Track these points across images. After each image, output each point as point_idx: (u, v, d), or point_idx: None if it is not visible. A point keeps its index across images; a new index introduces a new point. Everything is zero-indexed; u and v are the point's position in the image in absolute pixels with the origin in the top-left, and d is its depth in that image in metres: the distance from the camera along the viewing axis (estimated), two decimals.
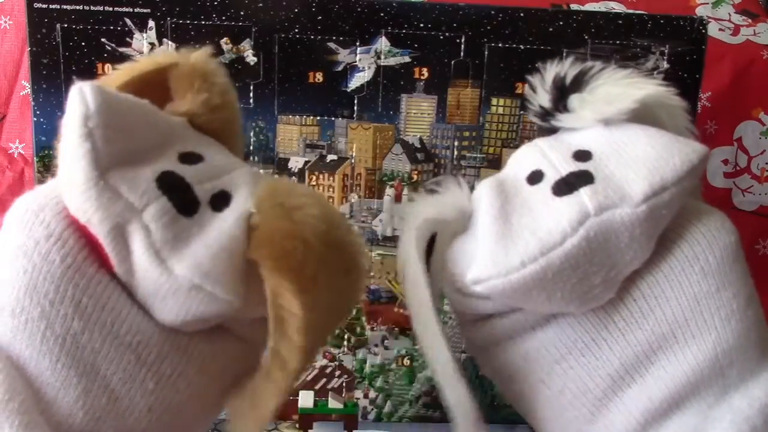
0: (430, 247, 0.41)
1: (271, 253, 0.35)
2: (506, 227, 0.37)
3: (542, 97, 0.43)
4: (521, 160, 0.42)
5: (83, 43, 0.67)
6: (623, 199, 0.37)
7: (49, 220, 0.35)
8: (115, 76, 0.41)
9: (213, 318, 0.36)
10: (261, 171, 0.68)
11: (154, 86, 0.41)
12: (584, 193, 0.37)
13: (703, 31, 0.68)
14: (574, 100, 0.42)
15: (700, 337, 0.38)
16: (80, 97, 0.34)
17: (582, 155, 0.40)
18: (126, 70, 0.41)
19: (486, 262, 0.37)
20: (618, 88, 0.41)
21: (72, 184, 0.35)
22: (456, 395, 0.39)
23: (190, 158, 0.38)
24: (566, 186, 0.38)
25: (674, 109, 0.43)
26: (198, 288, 0.34)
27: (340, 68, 0.69)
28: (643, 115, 0.41)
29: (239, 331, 0.39)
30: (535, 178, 0.40)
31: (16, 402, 0.34)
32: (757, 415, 0.37)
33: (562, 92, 0.42)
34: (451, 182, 0.42)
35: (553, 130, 0.43)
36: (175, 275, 0.34)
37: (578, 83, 0.42)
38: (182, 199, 0.36)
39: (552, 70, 0.43)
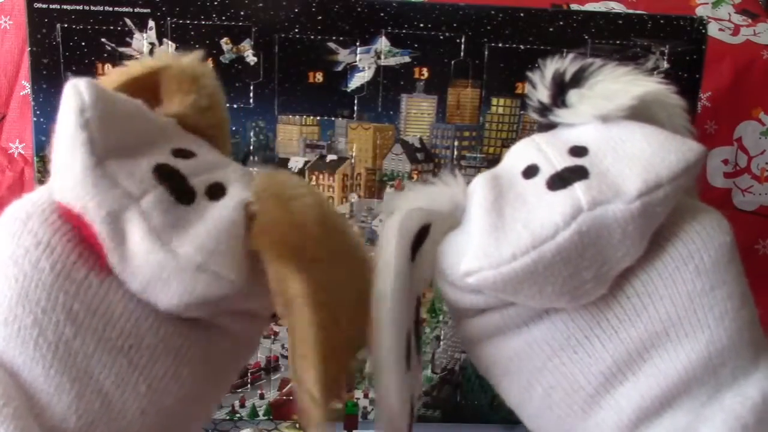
0: (421, 239, 0.41)
1: (271, 240, 0.36)
2: (499, 220, 0.37)
3: (541, 93, 0.43)
4: (517, 154, 0.42)
5: (83, 43, 0.67)
6: (617, 195, 0.37)
7: (36, 228, 0.35)
8: (106, 79, 0.41)
9: (215, 300, 0.36)
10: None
11: (146, 90, 0.41)
12: (578, 188, 0.37)
13: (703, 31, 0.68)
14: (572, 95, 0.42)
15: (693, 335, 0.38)
16: (75, 90, 0.35)
17: (578, 151, 0.39)
18: (117, 73, 0.42)
19: (477, 254, 0.37)
20: (617, 84, 0.41)
21: (68, 173, 0.35)
22: (386, 387, 0.39)
23: (183, 153, 0.39)
24: (560, 180, 0.38)
25: (673, 107, 0.42)
26: (202, 267, 0.34)
27: (340, 68, 0.69)
28: (641, 112, 0.40)
29: (231, 327, 0.39)
30: (530, 172, 0.40)
31: (11, 407, 0.33)
32: (749, 414, 0.37)
33: (561, 88, 0.42)
34: (447, 177, 0.42)
35: (551, 126, 0.43)
36: (180, 255, 0.34)
37: (578, 79, 0.42)
38: (179, 188, 0.36)
39: (552, 65, 0.43)
